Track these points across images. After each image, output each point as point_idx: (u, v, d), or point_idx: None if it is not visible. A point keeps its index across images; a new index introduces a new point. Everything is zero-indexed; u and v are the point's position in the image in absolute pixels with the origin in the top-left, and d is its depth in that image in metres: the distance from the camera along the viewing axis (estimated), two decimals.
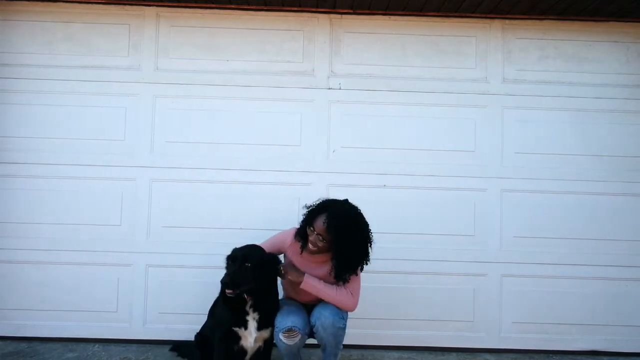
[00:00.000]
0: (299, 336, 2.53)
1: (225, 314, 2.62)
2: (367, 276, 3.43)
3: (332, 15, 3.59)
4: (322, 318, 2.54)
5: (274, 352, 2.81)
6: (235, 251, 2.60)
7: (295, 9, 3.56)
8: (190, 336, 2.94)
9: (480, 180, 3.54)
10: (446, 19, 3.61)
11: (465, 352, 3.45)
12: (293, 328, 2.51)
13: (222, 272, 2.81)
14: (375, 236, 2.68)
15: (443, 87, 3.58)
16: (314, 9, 3.56)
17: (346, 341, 3.27)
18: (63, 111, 3.51)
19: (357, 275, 2.69)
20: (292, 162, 3.52)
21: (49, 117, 3.50)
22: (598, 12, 3.50)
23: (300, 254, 2.72)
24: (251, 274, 2.50)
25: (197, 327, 2.90)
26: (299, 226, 2.76)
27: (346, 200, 2.69)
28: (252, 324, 2.60)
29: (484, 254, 3.52)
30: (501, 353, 3.45)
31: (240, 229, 3.42)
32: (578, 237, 3.52)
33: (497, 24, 3.62)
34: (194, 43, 3.57)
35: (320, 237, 2.55)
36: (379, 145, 3.54)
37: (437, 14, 3.58)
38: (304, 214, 2.70)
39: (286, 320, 2.54)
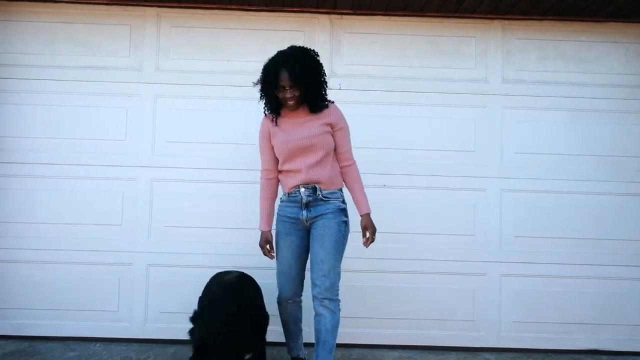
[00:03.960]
0: (293, 303, 2.76)
1: None
2: (367, 276, 3.48)
3: (333, 16, 3.60)
4: (324, 321, 2.56)
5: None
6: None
7: (296, 9, 3.57)
8: None
9: (480, 180, 3.55)
10: (446, 20, 3.61)
11: (465, 352, 3.46)
12: (288, 298, 2.74)
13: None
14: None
15: (443, 87, 3.59)
16: (314, 9, 3.57)
17: (346, 341, 3.31)
18: (64, 111, 3.51)
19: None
20: None
21: (49, 117, 3.51)
22: (598, 12, 3.51)
23: (276, 124, 2.66)
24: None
25: None
26: (262, 103, 2.71)
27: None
28: None
29: (484, 253, 3.53)
30: (501, 352, 3.46)
31: (241, 228, 3.43)
32: (578, 236, 3.53)
33: (496, 24, 3.63)
34: (194, 43, 3.58)
35: (292, 87, 2.53)
36: (379, 145, 3.55)
37: (437, 14, 3.58)
38: (259, 81, 2.64)
39: (280, 290, 2.75)
